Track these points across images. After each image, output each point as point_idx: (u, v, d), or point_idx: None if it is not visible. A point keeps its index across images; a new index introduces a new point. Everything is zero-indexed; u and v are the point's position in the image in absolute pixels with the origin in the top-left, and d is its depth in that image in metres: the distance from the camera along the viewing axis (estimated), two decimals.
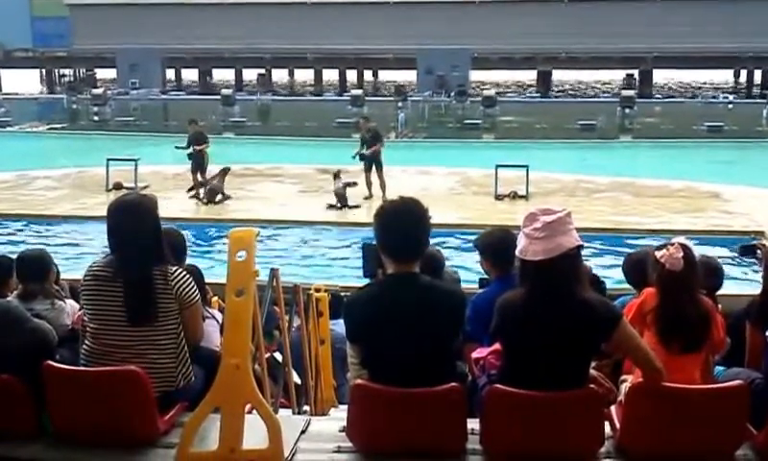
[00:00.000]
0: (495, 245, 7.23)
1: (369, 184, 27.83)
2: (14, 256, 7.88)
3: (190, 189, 28.20)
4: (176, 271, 6.12)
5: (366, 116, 31.93)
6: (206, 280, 7.98)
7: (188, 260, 7.57)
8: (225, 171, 28.08)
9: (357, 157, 28.19)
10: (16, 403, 5.93)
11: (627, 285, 8.08)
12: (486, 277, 7.74)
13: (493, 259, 7.26)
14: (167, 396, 6.03)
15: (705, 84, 78.98)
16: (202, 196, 27.76)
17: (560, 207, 5.45)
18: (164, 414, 5.98)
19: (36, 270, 7.60)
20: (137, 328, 5.96)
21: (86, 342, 6.09)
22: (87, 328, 6.10)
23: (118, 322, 5.96)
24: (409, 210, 5.71)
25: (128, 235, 6.05)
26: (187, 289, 6.10)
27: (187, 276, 6.18)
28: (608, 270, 14.75)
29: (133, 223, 6.08)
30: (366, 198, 27.49)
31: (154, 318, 5.97)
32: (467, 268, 14.56)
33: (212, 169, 28.55)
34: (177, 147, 29.07)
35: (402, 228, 5.62)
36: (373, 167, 27.79)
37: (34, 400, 5.92)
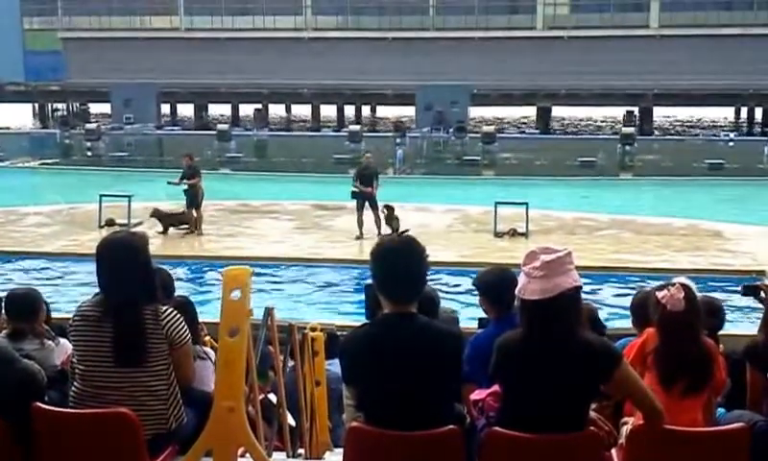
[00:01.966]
0: (494, 284, 7.09)
1: (360, 224, 27.53)
2: (3, 295, 7.78)
3: (188, 232, 28.01)
4: (166, 310, 6.01)
5: (368, 152, 31.39)
6: (199, 319, 7.87)
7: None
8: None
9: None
10: (3, 446, 5.80)
11: (628, 325, 7.98)
12: (485, 316, 7.62)
13: (492, 299, 7.13)
14: (158, 438, 5.90)
15: (701, 121, 79.19)
16: (196, 228, 27.74)
17: (561, 247, 5.37)
18: (155, 458, 5.85)
19: (25, 309, 7.48)
20: (127, 370, 5.85)
21: (75, 383, 5.99)
22: (76, 370, 6.00)
23: (107, 363, 5.85)
24: (407, 249, 5.60)
25: (117, 275, 5.94)
26: (178, 329, 5.98)
27: (178, 315, 6.07)
28: (609, 309, 14.67)
29: (123, 262, 5.96)
30: (357, 237, 27.24)
31: (143, 359, 5.86)
32: (465, 304, 14.47)
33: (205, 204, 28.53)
34: (169, 182, 29.00)
35: (400, 268, 5.51)
36: (366, 205, 27.53)
37: (21, 443, 5.80)
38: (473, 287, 7.53)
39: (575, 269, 5.35)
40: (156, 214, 28.00)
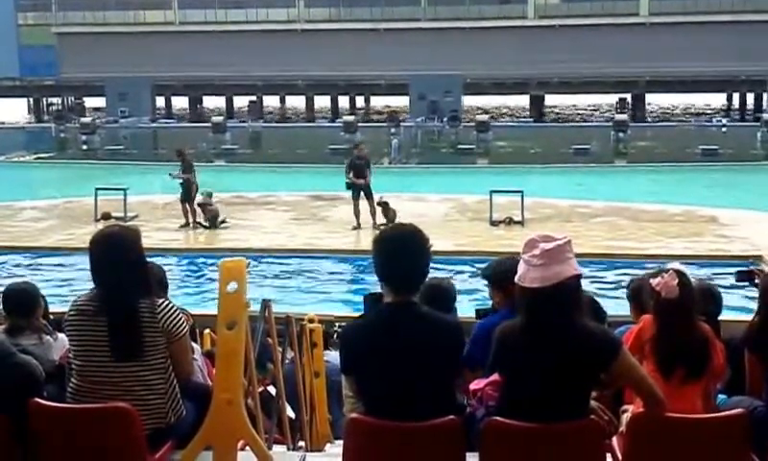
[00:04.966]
0: (507, 274, 7.01)
1: (357, 214, 27.45)
2: (0, 290, 7.74)
3: (183, 226, 27.76)
4: (162, 303, 5.96)
5: (362, 142, 30.89)
6: (197, 312, 7.86)
7: (179, 292, 7.50)
8: (209, 195, 27.71)
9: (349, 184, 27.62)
10: (1, 441, 5.75)
11: (626, 313, 7.93)
12: (483, 307, 7.57)
13: (505, 289, 7.06)
14: (157, 433, 5.86)
15: (693, 107, 79.22)
16: (204, 221, 27.47)
17: (560, 235, 5.34)
18: (154, 452, 5.81)
19: (22, 304, 7.41)
20: (124, 364, 5.80)
21: (72, 379, 5.95)
22: (73, 365, 5.97)
23: (104, 358, 5.81)
24: (409, 239, 5.57)
25: (110, 269, 5.89)
26: (174, 322, 5.93)
27: (175, 308, 6.03)
28: (605, 295, 14.62)
29: (116, 256, 5.92)
30: (353, 228, 27.11)
31: (140, 353, 5.81)
32: (462, 295, 14.39)
33: (197, 198, 28.44)
34: (170, 175, 28.86)
35: (403, 258, 5.48)
36: (362, 195, 27.42)
37: (19, 439, 5.76)
38: (485, 279, 7.48)
39: (574, 257, 5.34)
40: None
